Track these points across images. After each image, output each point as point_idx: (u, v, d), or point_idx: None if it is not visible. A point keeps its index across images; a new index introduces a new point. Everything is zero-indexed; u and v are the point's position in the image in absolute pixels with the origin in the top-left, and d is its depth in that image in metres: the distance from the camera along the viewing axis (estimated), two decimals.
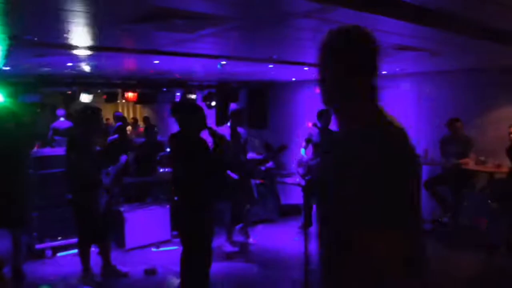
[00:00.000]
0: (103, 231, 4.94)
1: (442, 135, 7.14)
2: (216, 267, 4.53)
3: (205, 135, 4.25)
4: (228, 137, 5.75)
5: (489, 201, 6.19)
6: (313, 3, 2.98)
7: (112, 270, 5.06)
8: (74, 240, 5.75)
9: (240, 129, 5.91)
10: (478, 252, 5.78)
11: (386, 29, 4.07)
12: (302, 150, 6.65)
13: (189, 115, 4.10)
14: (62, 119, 8.90)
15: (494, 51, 5.08)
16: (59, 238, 5.77)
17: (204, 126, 4.13)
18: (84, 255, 4.83)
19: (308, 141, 6.62)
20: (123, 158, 5.37)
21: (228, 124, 5.84)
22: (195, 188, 3.96)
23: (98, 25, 3.77)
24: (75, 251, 5.71)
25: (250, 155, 5.85)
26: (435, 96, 7.70)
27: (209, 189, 4.06)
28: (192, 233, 4.00)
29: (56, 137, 8.13)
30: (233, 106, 5.94)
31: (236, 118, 5.81)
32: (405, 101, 8.08)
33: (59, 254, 5.75)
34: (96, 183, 4.76)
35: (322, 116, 6.51)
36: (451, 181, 6.92)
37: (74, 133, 5.03)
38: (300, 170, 6.60)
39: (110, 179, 5.08)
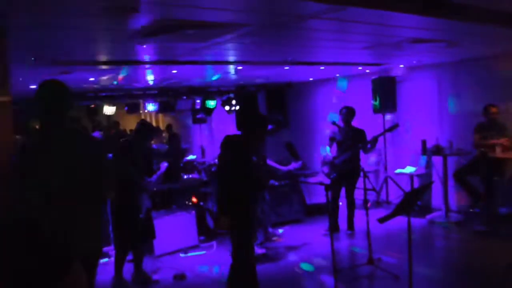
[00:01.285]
0: (142, 236, 5.07)
1: (464, 125, 7.00)
2: None
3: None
4: None
5: None
6: (322, 4, 3.01)
7: (144, 277, 5.17)
8: (105, 249, 5.92)
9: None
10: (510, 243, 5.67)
11: (398, 23, 4.07)
12: (327, 148, 6.64)
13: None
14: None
15: (507, 37, 4.98)
16: None
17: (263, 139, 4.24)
18: (120, 260, 4.96)
19: (332, 139, 6.62)
20: (164, 165, 5.51)
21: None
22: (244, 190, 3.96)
23: (116, 40, 3.89)
24: (105, 260, 5.86)
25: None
26: (455, 85, 7.58)
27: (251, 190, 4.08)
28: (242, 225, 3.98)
29: None
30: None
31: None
32: (426, 93, 7.98)
33: None
34: (142, 188, 4.96)
35: (342, 113, 6.51)
36: (481, 170, 6.78)
37: (128, 142, 5.25)
38: (325, 169, 6.59)
39: (153, 185, 5.25)
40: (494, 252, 5.60)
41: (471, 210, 7.15)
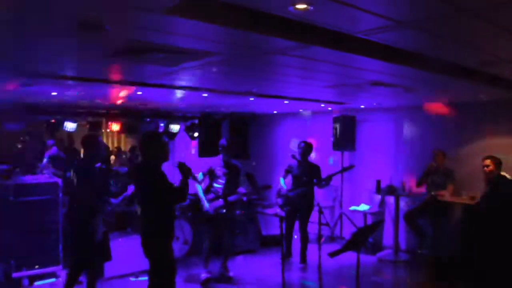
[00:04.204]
0: (98, 258, 4.97)
1: (419, 168, 7.33)
2: None
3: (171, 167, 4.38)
4: (221, 169, 5.87)
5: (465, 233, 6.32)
6: (288, 41, 3.18)
7: None
8: (52, 269, 5.74)
9: (234, 161, 6.00)
10: (456, 282, 5.87)
11: (360, 66, 4.31)
12: (282, 180, 6.79)
13: (152, 145, 4.09)
14: (53, 147, 8.90)
15: (463, 87, 5.34)
16: (37, 266, 5.68)
17: (166, 157, 4.13)
18: (72, 281, 4.82)
19: (287, 171, 6.79)
20: (132, 188, 5.35)
21: (220, 156, 5.93)
22: (156, 216, 4.00)
23: (83, 57, 3.91)
24: (53, 280, 5.67)
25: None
26: (411, 129, 7.96)
27: (170, 218, 4.11)
28: (159, 259, 4.07)
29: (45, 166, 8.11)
30: (223, 140, 6.04)
31: (229, 151, 5.91)
32: (383, 134, 8.32)
33: (36, 283, 5.66)
34: (99, 210, 4.86)
35: (300, 148, 6.70)
36: (430, 213, 7.07)
37: (81, 160, 5.14)
38: (279, 201, 6.71)
39: (111, 208, 5.15)
40: None
41: (419, 251, 7.39)
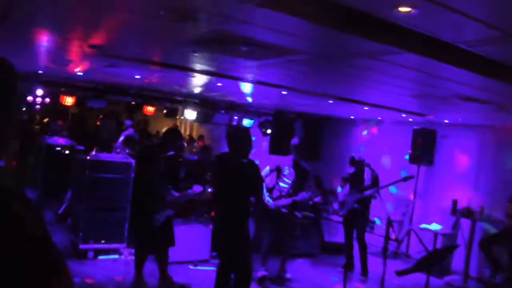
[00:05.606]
0: (159, 244, 5.03)
1: (502, 192, 6.75)
2: None
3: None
4: (289, 169, 5.81)
5: None
6: (381, 45, 2.98)
7: (169, 283, 5.12)
8: (116, 245, 5.95)
9: (303, 164, 5.91)
10: None
11: (451, 77, 3.99)
12: (339, 188, 6.67)
13: (241, 140, 4.29)
14: (130, 129, 9.26)
15: None
16: (103, 241, 5.92)
17: (247, 156, 4.29)
18: (137, 261, 4.97)
19: (344, 179, 6.63)
20: (198, 189, 5.60)
21: (291, 156, 5.88)
22: (238, 207, 4.16)
23: (169, 45, 3.96)
24: (116, 256, 5.88)
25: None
26: (497, 150, 7.35)
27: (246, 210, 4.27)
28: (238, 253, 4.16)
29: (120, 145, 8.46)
30: (295, 139, 5.96)
31: (300, 152, 5.83)
32: (465, 152, 7.77)
33: (100, 257, 5.89)
34: (160, 197, 4.93)
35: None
36: (508, 241, 6.51)
37: (151, 147, 5.31)
38: (335, 206, 6.58)
39: (177, 198, 5.26)
40: None
41: (491, 280, 6.84)
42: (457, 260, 7.32)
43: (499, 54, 3.10)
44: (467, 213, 7.01)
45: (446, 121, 7.70)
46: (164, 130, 7.82)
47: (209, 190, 6.94)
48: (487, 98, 4.81)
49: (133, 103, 9.21)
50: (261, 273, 5.77)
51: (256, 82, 5.49)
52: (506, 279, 6.54)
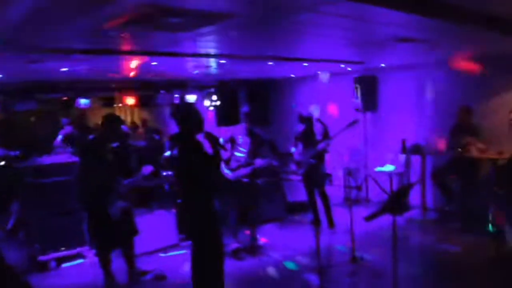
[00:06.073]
0: (122, 236, 4.86)
1: (445, 125, 7.05)
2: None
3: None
4: (244, 138, 5.71)
5: (495, 188, 6.10)
6: None
7: (137, 273, 5.00)
8: (78, 250, 5.68)
9: (257, 130, 5.84)
10: (486, 239, 5.72)
11: (386, 20, 4.00)
12: (293, 149, 6.71)
13: (188, 117, 4.05)
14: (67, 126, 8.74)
15: (491, 39, 5.02)
16: (63, 248, 5.62)
17: (201, 128, 4.10)
18: (103, 261, 4.77)
19: (296, 138, 6.68)
20: (148, 169, 5.22)
21: (244, 124, 5.81)
22: (198, 188, 3.95)
23: (93, 27, 3.66)
24: (80, 261, 5.63)
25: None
26: (434, 86, 7.62)
27: (211, 188, 4.05)
28: (203, 232, 3.97)
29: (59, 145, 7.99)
30: (245, 107, 5.86)
31: (252, 119, 5.80)
32: (406, 93, 8.00)
33: (64, 265, 5.61)
34: (111, 189, 4.71)
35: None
36: (457, 170, 6.88)
37: (91, 140, 4.98)
38: (293, 166, 6.64)
39: (128, 188, 5.01)
40: (471, 248, 5.68)
41: (446, 208, 7.23)
42: (413, 196, 7.65)
43: None
44: (416, 149, 7.29)
45: (383, 65, 7.84)
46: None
47: (165, 173, 6.77)
48: (422, 36, 4.89)
49: (65, 98, 8.65)
50: (234, 245, 5.74)
51: (192, 55, 5.27)
52: (460, 205, 6.93)
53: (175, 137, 4.16)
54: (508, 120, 6.02)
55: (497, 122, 6.67)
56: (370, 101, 7.97)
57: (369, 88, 7.96)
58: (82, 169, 4.79)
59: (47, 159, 5.87)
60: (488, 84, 6.90)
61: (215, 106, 9.19)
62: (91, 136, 5.17)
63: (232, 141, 5.80)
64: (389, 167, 7.64)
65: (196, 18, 3.40)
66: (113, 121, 5.07)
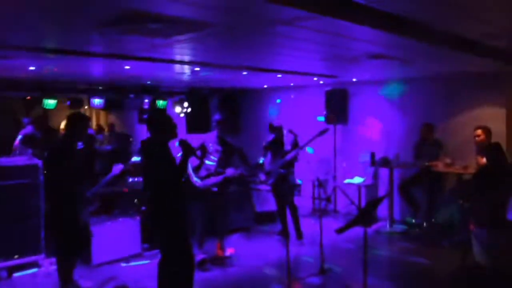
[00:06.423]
0: (82, 243, 4.76)
1: (413, 140, 7.27)
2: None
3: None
4: (215, 146, 5.65)
5: (460, 202, 6.28)
6: (294, 10, 2.88)
7: (76, 286, 4.75)
8: (33, 258, 5.38)
9: (228, 139, 5.81)
10: (451, 250, 5.88)
11: (360, 37, 4.06)
12: (261, 159, 6.73)
13: (161, 123, 4.08)
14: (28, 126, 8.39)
15: (458, 58, 5.21)
16: (16, 256, 5.29)
17: (174, 135, 4.13)
18: (66, 269, 4.57)
19: (265, 148, 6.68)
20: (118, 167, 5.07)
21: (215, 132, 5.75)
22: (165, 195, 3.92)
23: (67, 27, 3.54)
24: (34, 270, 5.34)
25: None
26: (403, 101, 7.83)
27: (179, 197, 4.02)
28: (171, 241, 3.96)
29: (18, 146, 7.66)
30: (217, 115, 5.80)
31: (224, 127, 5.72)
32: (375, 107, 8.16)
33: (15, 275, 5.26)
34: (80, 194, 4.58)
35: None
36: (424, 183, 7.10)
37: (63, 143, 4.76)
38: (262, 176, 6.63)
39: (94, 190, 4.86)
40: (437, 260, 5.80)
41: (413, 221, 7.42)
42: (381, 208, 7.77)
43: (401, 8, 3.16)
44: (385, 162, 7.42)
45: (355, 79, 7.97)
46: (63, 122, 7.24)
47: (130, 180, 6.61)
48: (393, 54, 5.00)
49: (29, 97, 8.34)
50: (199, 256, 5.63)
51: (167, 61, 5.18)
52: (425, 217, 7.11)
53: (146, 142, 4.08)
54: (472, 137, 6.24)
55: (462, 138, 6.90)
56: (340, 113, 8.08)
57: (340, 101, 8.08)
58: (49, 174, 4.63)
59: (6, 161, 5.56)
60: (454, 101, 7.18)
61: (185, 112, 9.10)
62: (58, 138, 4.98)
63: (203, 148, 5.72)
64: (358, 179, 7.74)
65: (174, 25, 3.34)
66: (81, 119, 4.75)
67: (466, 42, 4.34)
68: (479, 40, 4.38)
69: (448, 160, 6.78)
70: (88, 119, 5.00)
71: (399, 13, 3.25)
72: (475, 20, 3.52)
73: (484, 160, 5.77)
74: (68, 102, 8.84)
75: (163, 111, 4.59)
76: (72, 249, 4.59)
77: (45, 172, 4.76)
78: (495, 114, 6.72)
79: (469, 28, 3.85)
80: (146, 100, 9.09)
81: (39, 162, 5.53)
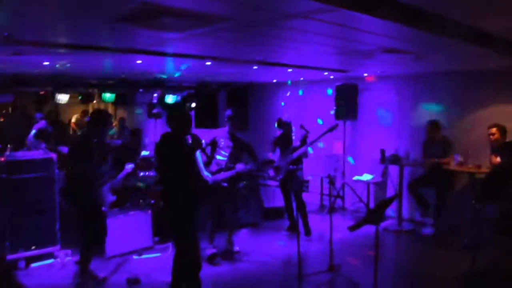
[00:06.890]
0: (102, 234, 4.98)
1: (423, 137, 7.20)
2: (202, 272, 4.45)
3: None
4: (226, 141, 5.67)
5: (473, 201, 6.23)
6: (312, 2, 2.87)
7: (91, 277, 4.88)
8: (49, 249, 5.48)
9: (239, 134, 5.81)
10: (461, 252, 5.83)
11: (374, 30, 4.02)
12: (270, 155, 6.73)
13: (182, 119, 4.29)
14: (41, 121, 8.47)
15: (475, 54, 5.11)
16: (33, 247, 5.41)
17: (189, 130, 4.42)
18: (87, 259, 4.76)
19: (274, 144, 6.65)
20: (130, 167, 5.43)
21: (226, 128, 5.75)
22: (182, 190, 4.13)
23: (80, 22, 3.55)
24: (51, 261, 5.43)
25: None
26: (414, 97, 7.76)
27: (194, 191, 4.27)
28: (185, 234, 4.20)
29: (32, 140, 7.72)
30: (229, 111, 5.79)
31: (235, 123, 5.72)
32: (386, 103, 8.11)
33: (33, 265, 5.38)
34: (98, 183, 4.84)
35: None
36: (433, 182, 6.98)
37: (86, 136, 5.01)
38: (271, 172, 6.63)
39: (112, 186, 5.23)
40: (446, 261, 5.77)
41: (422, 220, 7.34)
42: (390, 206, 7.74)
43: (419, 1, 3.13)
44: (395, 159, 7.37)
45: (366, 74, 7.93)
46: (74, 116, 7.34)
47: (142, 174, 6.65)
48: (408, 48, 4.94)
49: (42, 92, 8.40)
50: (210, 251, 5.66)
51: (180, 55, 5.19)
52: (435, 217, 7.05)
53: (166, 136, 4.24)
54: (486, 135, 6.16)
55: (476, 136, 6.79)
56: (350, 109, 8.05)
57: (350, 97, 8.04)
58: (72, 166, 4.83)
59: (24, 155, 5.65)
60: (468, 98, 7.06)
61: (194, 107, 9.12)
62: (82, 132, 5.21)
63: (214, 143, 5.74)
64: (366, 176, 7.71)
65: (188, 19, 3.34)
66: (109, 117, 5.14)
67: (485, 36, 4.20)
68: (499, 35, 4.24)
69: (460, 158, 6.69)
70: (111, 116, 5.36)
71: (416, 4, 3.21)
72: (497, 13, 3.42)
73: (498, 159, 5.74)
74: (79, 97, 8.90)
75: (182, 106, 4.86)
76: (94, 239, 4.84)
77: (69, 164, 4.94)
78: (510, 113, 6.59)
79: (490, 22, 3.73)
80: (155, 95, 9.11)
81: (53, 156, 5.63)
